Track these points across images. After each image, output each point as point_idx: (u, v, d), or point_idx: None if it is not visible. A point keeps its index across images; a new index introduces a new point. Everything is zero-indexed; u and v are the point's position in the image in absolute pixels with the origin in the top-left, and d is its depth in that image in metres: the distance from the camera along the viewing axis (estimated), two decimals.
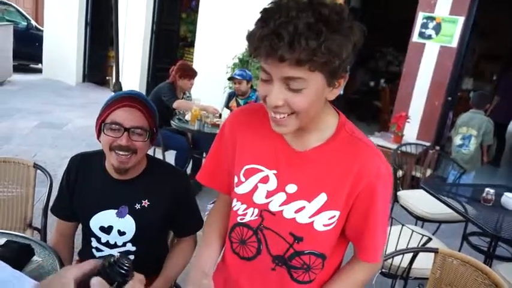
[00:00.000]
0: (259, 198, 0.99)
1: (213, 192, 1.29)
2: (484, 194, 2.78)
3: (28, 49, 9.65)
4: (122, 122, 1.34)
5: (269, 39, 0.78)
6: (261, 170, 0.99)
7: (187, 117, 4.00)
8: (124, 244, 1.51)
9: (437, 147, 4.83)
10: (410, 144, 4.19)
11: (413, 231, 2.19)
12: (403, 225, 2.23)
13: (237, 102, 4.42)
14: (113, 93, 1.53)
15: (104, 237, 1.50)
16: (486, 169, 5.02)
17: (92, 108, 7.34)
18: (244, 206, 1.01)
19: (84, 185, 1.51)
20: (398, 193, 3.48)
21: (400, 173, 3.82)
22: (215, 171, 1.12)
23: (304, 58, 0.78)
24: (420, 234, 2.19)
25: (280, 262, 1.00)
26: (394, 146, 4.21)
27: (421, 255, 2.06)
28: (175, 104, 3.99)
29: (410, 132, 5.13)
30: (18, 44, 8.66)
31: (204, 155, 4.32)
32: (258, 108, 0.96)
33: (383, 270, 2.29)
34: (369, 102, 7.97)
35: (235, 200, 1.04)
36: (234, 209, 1.04)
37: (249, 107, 1.12)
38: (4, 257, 1.22)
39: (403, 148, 4.12)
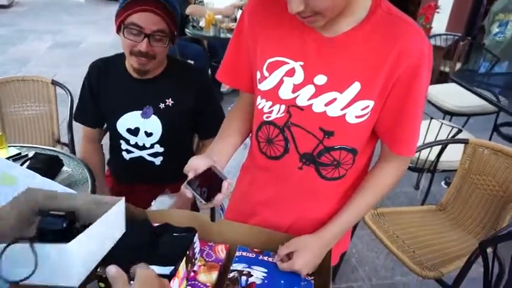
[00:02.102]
0: (285, 93, 0.91)
1: (234, 100, 1.25)
2: None
3: None
4: (142, 26, 1.32)
5: None
6: (286, 63, 0.90)
7: (202, 23, 3.82)
8: (152, 146, 1.53)
9: (469, 38, 4.53)
10: (439, 35, 3.93)
11: (442, 123, 2.13)
12: (431, 118, 2.16)
13: None
14: None
15: (133, 139, 1.53)
16: None
17: (104, 24, 7.12)
18: (270, 103, 0.93)
19: (107, 89, 1.51)
20: None
21: None
22: (235, 67, 1.03)
23: None
24: (450, 126, 2.12)
25: (308, 160, 0.96)
26: None
27: (449, 147, 2.02)
28: (188, 10, 3.78)
29: (440, 23, 4.79)
30: None
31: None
32: None
33: (410, 164, 2.28)
34: None
35: (259, 97, 0.96)
36: (259, 107, 0.96)
37: None
38: (34, 168, 1.25)
39: (432, 41, 3.87)
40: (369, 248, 2.35)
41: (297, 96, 0.91)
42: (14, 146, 1.47)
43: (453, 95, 3.14)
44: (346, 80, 0.87)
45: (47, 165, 1.29)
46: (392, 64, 0.84)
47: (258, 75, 0.95)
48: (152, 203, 1.47)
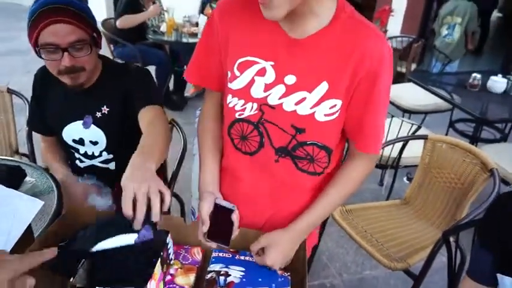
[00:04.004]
0: (257, 92, 0.93)
1: (198, 105, 1.23)
2: (471, 80, 2.80)
3: None
4: (56, 42, 1.21)
5: None
6: (257, 62, 0.92)
7: (163, 28, 3.78)
8: (100, 153, 1.49)
9: (422, 40, 4.75)
10: (395, 37, 4.10)
11: (403, 120, 2.22)
12: (392, 116, 2.25)
13: (211, 8, 4.16)
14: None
15: (81, 149, 1.48)
16: (468, 58, 5.01)
17: None
18: (242, 101, 0.95)
19: (50, 98, 1.46)
20: None
21: None
22: (204, 67, 1.03)
23: None
24: (410, 123, 2.22)
25: (284, 153, 0.99)
26: None
27: (410, 144, 2.11)
28: (119, 23, 3.53)
29: (394, 27, 4.99)
30: None
31: (185, 68, 4.17)
32: None
33: None
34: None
35: (230, 96, 0.97)
36: (230, 105, 0.97)
37: None
38: None
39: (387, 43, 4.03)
40: (339, 244, 2.40)
41: (269, 95, 0.93)
42: None
43: (410, 94, 3.27)
44: (314, 80, 0.90)
45: (8, 177, 1.23)
46: (355, 67, 0.87)
47: (229, 74, 0.96)
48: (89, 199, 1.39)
